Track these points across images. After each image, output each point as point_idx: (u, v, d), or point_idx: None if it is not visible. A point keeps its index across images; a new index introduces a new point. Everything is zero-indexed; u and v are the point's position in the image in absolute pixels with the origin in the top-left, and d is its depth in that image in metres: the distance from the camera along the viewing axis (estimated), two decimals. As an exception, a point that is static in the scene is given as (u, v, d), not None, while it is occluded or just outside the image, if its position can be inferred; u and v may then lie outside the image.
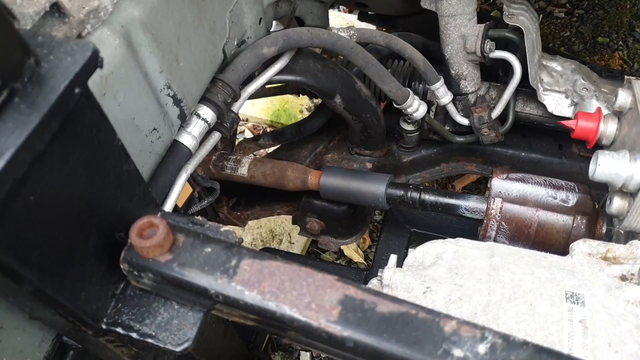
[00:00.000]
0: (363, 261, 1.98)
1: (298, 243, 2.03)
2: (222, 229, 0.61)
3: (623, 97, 0.90)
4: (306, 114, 2.34)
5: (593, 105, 1.10)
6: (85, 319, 0.53)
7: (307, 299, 0.50)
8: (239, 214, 1.43)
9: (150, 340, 0.56)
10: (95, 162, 0.50)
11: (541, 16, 2.34)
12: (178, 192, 0.87)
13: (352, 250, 1.99)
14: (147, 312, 0.57)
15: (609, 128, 0.93)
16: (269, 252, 1.48)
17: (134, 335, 0.56)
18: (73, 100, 0.43)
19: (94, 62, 0.44)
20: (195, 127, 0.88)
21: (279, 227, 2.08)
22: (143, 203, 0.59)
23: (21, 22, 0.51)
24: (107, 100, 0.66)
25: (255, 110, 2.36)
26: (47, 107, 0.40)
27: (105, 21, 0.65)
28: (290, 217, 1.44)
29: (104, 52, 0.65)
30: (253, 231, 2.07)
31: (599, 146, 0.98)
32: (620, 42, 2.25)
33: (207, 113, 0.90)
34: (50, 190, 0.44)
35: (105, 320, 0.56)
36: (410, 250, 0.84)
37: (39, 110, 0.40)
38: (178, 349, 0.56)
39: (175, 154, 0.85)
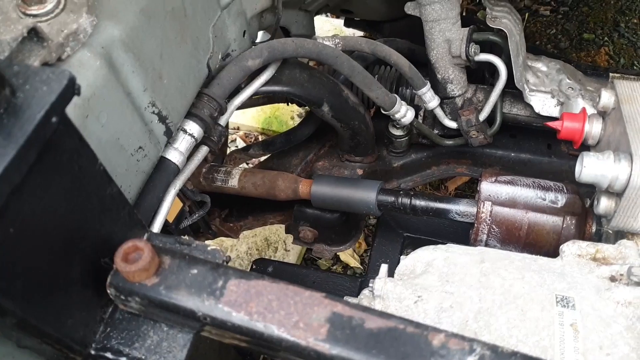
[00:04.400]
0: (359, 265, 1.98)
1: (294, 250, 2.03)
2: (209, 248, 0.61)
3: (606, 97, 0.91)
4: (297, 120, 2.34)
5: (579, 104, 1.11)
6: (72, 346, 0.52)
7: (294, 317, 0.50)
8: (231, 225, 1.42)
9: (140, 364, 0.56)
10: (77, 188, 0.49)
11: (527, 15, 2.35)
12: (167, 209, 0.87)
13: (348, 256, 1.99)
14: (136, 336, 0.57)
15: (594, 128, 0.94)
16: (264, 263, 1.48)
17: (124, 359, 0.56)
18: (50, 129, 0.43)
19: (71, 90, 0.44)
20: (182, 143, 0.88)
21: (274, 235, 2.08)
22: (128, 226, 0.58)
23: (-3, 50, 0.51)
24: (90, 122, 0.66)
25: (246, 119, 2.36)
26: (24, 138, 0.40)
27: (85, 43, 0.65)
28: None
29: (85, 74, 0.65)
30: (248, 240, 2.06)
31: (585, 146, 0.98)
32: (606, 38, 2.26)
33: (193, 128, 0.90)
34: (30, 220, 0.44)
35: (94, 345, 0.56)
36: (402, 257, 0.84)
37: (15, 141, 0.39)
38: (168, 372, 0.55)
39: (162, 170, 0.85)
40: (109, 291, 0.54)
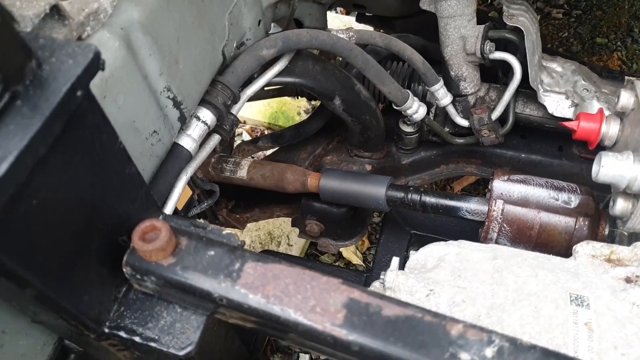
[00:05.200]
0: (362, 263, 1.97)
1: (296, 245, 2.02)
2: (224, 232, 0.61)
3: (625, 98, 0.90)
4: (304, 116, 2.33)
5: (594, 106, 1.10)
6: (87, 323, 0.52)
7: (311, 302, 0.50)
8: (238, 216, 1.42)
9: (153, 344, 0.56)
10: (98, 165, 0.49)
11: (539, 17, 2.34)
12: (178, 195, 0.86)
13: (350, 253, 1.99)
14: (149, 316, 0.57)
15: (611, 129, 0.93)
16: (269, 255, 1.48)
17: (137, 339, 0.55)
18: (75, 102, 0.42)
19: (96, 64, 0.44)
20: (195, 130, 0.88)
21: (278, 229, 2.07)
22: (145, 206, 0.58)
23: (21, 24, 0.51)
24: (108, 103, 0.65)
25: (252, 113, 2.35)
26: (49, 110, 0.40)
27: (105, 23, 0.65)
28: (289, 219, 1.44)
29: (104, 54, 0.63)
30: (251, 233, 2.06)
31: (600, 147, 0.98)
32: (619, 43, 2.25)
33: (206, 115, 0.90)
34: (52, 194, 0.44)
35: (107, 324, 0.56)
36: (411, 252, 0.84)
37: (41, 113, 0.39)
38: (181, 353, 0.55)
39: (175, 156, 0.84)
40: (124, 270, 0.54)
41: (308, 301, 0.50)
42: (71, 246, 0.48)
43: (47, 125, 0.39)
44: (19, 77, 0.39)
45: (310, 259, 2.02)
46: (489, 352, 0.45)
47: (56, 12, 0.57)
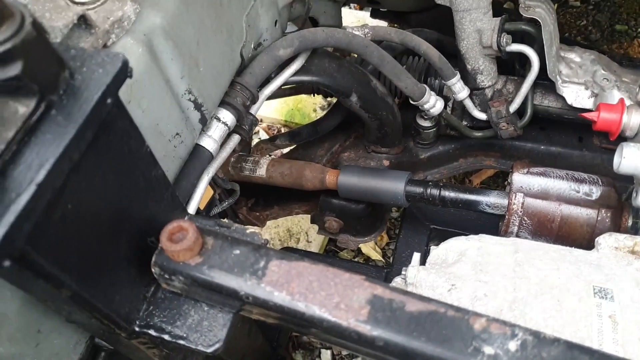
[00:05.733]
0: (381, 258, 1.98)
1: (315, 242, 2.04)
2: (248, 231, 0.62)
3: (646, 87, 0.89)
4: (320, 112, 2.34)
5: (614, 95, 1.09)
6: (119, 322, 0.54)
7: (335, 299, 0.51)
8: (257, 214, 1.44)
9: (181, 342, 0.58)
10: (126, 169, 0.51)
11: (556, 5, 2.30)
12: (201, 195, 0.88)
13: (369, 248, 1.99)
14: (177, 314, 0.58)
15: (632, 119, 0.92)
16: (289, 252, 1.49)
17: (166, 337, 0.57)
18: (106, 110, 0.44)
19: (124, 72, 0.45)
20: (216, 131, 0.90)
21: (296, 226, 2.09)
22: (171, 207, 0.60)
23: (51, 35, 0.53)
24: (132, 108, 0.67)
25: (269, 111, 2.37)
26: (83, 118, 0.41)
27: (129, 30, 0.67)
28: (308, 216, 1.45)
29: (129, 60, 0.66)
30: (270, 230, 2.08)
31: (622, 138, 0.96)
32: (640, 29, 2.20)
33: (227, 116, 0.91)
34: (85, 198, 0.46)
35: (137, 322, 0.58)
36: (432, 247, 0.84)
37: (75, 121, 0.41)
38: (209, 350, 0.57)
39: (197, 157, 0.86)
40: (153, 270, 0.55)
41: (332, 298, 0.51)
42: (102, 248, 0.50)
43: (81, 133, 0.41)
44: (53, 88, 0.41)
45: (330, 255, 2.03)
46: (513, 345, 0.46)
47: (83, 21, 0.59)
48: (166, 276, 0.55)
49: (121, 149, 0.49)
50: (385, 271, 1.39)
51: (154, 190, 0.57)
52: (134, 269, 0.57)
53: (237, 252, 0.55)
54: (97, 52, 0.45)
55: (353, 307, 0.50)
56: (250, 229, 0.62)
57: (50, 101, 0.41)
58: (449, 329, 0.48)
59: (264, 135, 2.36)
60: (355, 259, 2.01)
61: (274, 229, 2.10)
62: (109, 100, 0.44)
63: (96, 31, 0.59)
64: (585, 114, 1.00)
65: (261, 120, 2.41)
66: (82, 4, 0.62)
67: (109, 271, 0.52)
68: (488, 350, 0.46)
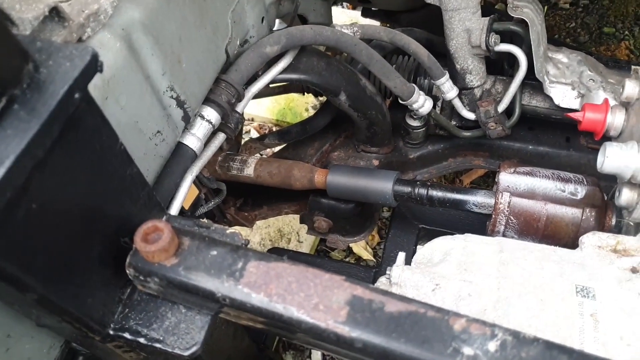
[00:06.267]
0: (372, 258, 1.97)
1: (306, 242, 2.03)
2: (228, 231, 0.61)
3: (630, 88, 0.89)
4: (312, 112, 2.33)
5: (600, 96, 1.09)
6: (92, 325, 0.53)
7: (314, 300, 0.50)
8: (246, 214, 1.42)
9: (158, 345, 0.56)
10: (98, 167, 0.49)
11: (546, 7, 2.31)
12: (184, 195, 0.87)
13: (360, 248, 1.98)
14: (154, 317, 0.57)
15: (616, 119, 0.92)
16: (278, 252, 1.48)
17: (142, 340, 0.56)
18: (73, 105, 0.43)
19: (94, 66, 0.44)
20: (200, 129, 0.88)
21: (287, 226, 2.08)
22: (148, 207, 0.58)
23: (20, 27, 0.51)
24: (110, 104, 0.66)
25: (260, 110, 2.36)
26: (47, 113, 0.40)
27: (106, 24, 0.65)
28: (299, 216, 1.44)
29: (105, 55, 0.65)
30: (261, 231, 2.06)
31: (606, 138, 0.96)
32: (627, 32, 2.21)
33: (211, 114, 0.90)
34: (52, 196, 0.44)
35: (112, 325, 0.56)
36: (418, 247, 0.83)
37: (39, 116, 0.39)
38: (186, 353, 0.56)
39: (179, 156, 0.85)
40: (128, 271, 0.54)
41: (311, 299, 0.50)
42: (72, 249, 0.49)
43: (45, 129, 0.40)
44: (16, 81, 0.40)
45: (321, 256, 2.02)
46: (492, 345, 0.45)
47: (56, 14, 0.57)
48: (141, 278, 0.54)
49: (92, 147, 0.48)
50: (374, 271, 1.38)
51: (129, 190, 0.55)
52: (108, 271, 0.56)
53: (215, 252, 0.53)
54: (65, 45, 0.43)
55: (332, 308, 0.49)
56: (230, 230, 0.61)
57: (13, 95, 0.39)
58: (428, 330, 0.47)
59: (255, 135, 2.35)
60: (347, 259, 2.00)
61: (265, 229, 2.08)
62: (76, 95, 0.42)
63: (70, 24, 0.58)
64: (571, 114, 1.00)
65: (252, 120, 2.39)
66: (56, -4, 0.61)
67: (81, 273, 0.51)
68: (467, 351, 0.45)
